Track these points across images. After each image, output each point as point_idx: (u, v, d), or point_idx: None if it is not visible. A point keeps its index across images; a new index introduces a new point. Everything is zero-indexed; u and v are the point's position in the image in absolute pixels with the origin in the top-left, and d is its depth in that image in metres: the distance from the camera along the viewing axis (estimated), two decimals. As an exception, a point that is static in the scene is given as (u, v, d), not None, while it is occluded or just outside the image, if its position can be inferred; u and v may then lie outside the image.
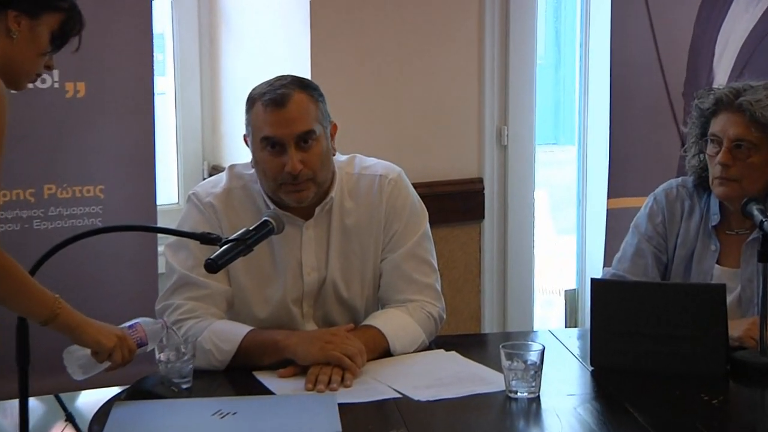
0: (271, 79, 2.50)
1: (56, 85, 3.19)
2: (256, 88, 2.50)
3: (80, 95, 3.22)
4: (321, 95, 2.50)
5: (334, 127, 2.54)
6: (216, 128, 4.04)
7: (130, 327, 2.24)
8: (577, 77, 4.15)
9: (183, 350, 2.27)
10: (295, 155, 2.42)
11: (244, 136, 2.53)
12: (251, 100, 2.48)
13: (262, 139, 2.44)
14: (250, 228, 2.30)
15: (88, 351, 2.17)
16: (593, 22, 4.01)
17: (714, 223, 2.71)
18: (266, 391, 2.27)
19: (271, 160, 2.45)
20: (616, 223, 3.63)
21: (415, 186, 2.69)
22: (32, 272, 2.21)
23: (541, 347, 2.22)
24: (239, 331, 2.41)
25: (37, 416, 3.73)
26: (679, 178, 2.84)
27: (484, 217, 3.90)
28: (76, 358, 2.18)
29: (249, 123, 2.49)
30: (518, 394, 2.20)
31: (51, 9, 2.13)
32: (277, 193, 2.48)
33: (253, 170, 2.55)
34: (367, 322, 2.52)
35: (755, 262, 2.49)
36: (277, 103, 2.42)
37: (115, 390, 2.92)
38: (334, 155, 2.55)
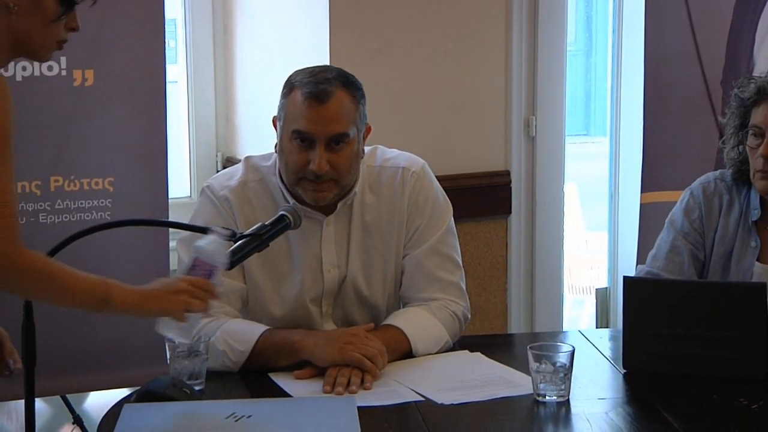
0: (314, 68, 2.49)
1: (63, 73, 3.21)
2: (297, 73, 2.49)
3: (88, 83, 3.24)
4: (363, 96, 2.50)
5: (368, 129, 2.54)
6: (230, 118, 4.05)
7: (192, 269, 2.17)
8: (610, 65, 4.14)
9: (195, 350, 2.27)
10: (323, 155, 2.42)
11: (274, 118, 2.53)
12: (290, 86, 2.47)
13: (293, 131, 2.44)
14: (266, 223, 2.31)
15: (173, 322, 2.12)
16: (626, 6, 4.00)
17: (754, 219, 2.70)
18: (282, 394, 2.27)
19: (298, 153, 2.44)
20: (650, 219, 3.61)
21: (439, 179, 2.69)
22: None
23: (570, 349, 2.22)
24: (254, 331, 2.42)
25: (44, 419, 3.76)
26: (717, 172, 2.83)
27: (511, 212, 3.89)
28: (173, 326, 2.13)
29: (283, 108, 2.48)
30: (547, 397, 2.19)
31: None
32: (296, 188, 2.48)
33: (270, 163, 2.56)
34: (388, 321, 2.52)
35: (798, 259, 2.48)
36: (318, 98, 2.41)
37: (124, 391, 2.94)
38: (362, 158, 2.55)
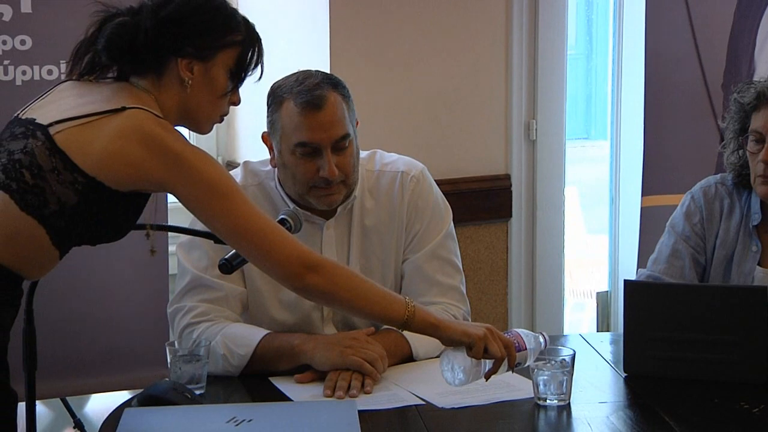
0: (297, 75, 2.48)
1: (63, 77, 3.20)
2: (282, 84, 2.48)
3: (89, 88, 3.24)
4: (349, 93, 2.50)
5: (356, 123, 2.55)
6: (230, 123, 4.05)
7: (506, 333, 2.21)
8: (610, 68, 4.14)
9: (196, 354, 2.28)
10: (332, 160, 2.42)
11: (264, 134, 2.52)
12: (279, 99, 2.46)
13: (297, 144, 2.43)
14: (267, 227, 2.31)
15: (467, 358, 2.16)
16: (627, 9, 4.00)
17: (755, 223, 2.70)
18: (283, 398, 2.28)
19: (305, 164, 2.44)
20: (650, 223, 3.61)
21: (439, 183, 2.69)
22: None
23: (571, 352, 2.23)
24: (254, 335, 2.42)
25: (45, 423, 3.77)
26: (718, 175, 2.83)
27: (511, 216, 3.90)
28: (458, 362, 2.17)
29: (275, 123, 2.47)
30: (548, 401, 2.20)
31: (224, 47, 2.08)
32: (306, 197, 2.48)
33: (269, 168, 2.56)
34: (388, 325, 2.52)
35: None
36: (315, 105, 2.41)
37: (125, 395, 2.95)
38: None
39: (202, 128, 2.17)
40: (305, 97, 2.41)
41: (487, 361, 2.16)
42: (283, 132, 2.45)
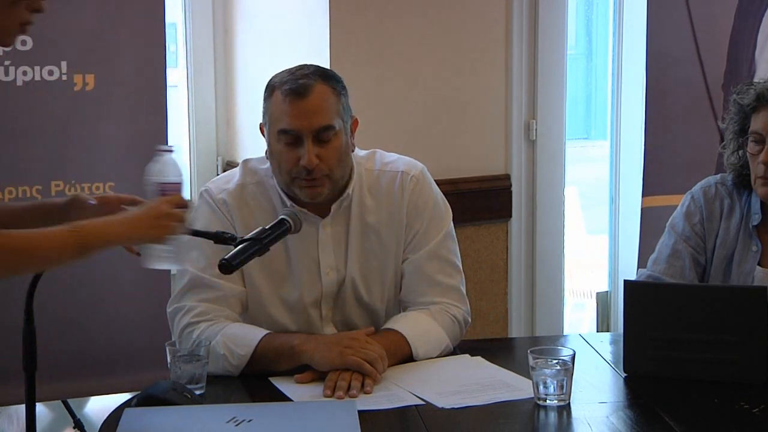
0: (292, 68, 2.50)
1: (64, 78, 3.21)
2: (276, 75, 2.51)
3: (89, 88, 3.25)
4: (344, 88, 2.50)
5: (355, 122, 2.55)
6: (230, 122, 4.05)
7: (162, 192, 2.15)
8: (610, 68, 4.14)
9: (196, 354, 2.28)
10: (312, 150, 2.43)
11: (261, 124, 2.54)
12: (270, 88, 2.49)
13: (279, 131, 2.46)
14: (266, 227, 2.31)
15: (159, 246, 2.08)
16: (627, 10, 4.01)
17: (755, 223, 2.70)
18: (283, 398, 2.28)
19: (287, 153, 2.45)
20: (650, 223, 3.62)
21: (439, 183, 2.69)
22: (40, 273, 2.22)
23: (571, 352, 2.22)
24: (254, 335, 2.42)
25: (45, 423, 3.77)
26: (718, 176, 2.83)
27: (511, 216, 3.90)
28: (164, 257, 2.13)
29: (266, 112, 2.50)
30: (547, 401, 2.20)
31: None
32: (291, 187, 2.49)
33: (268, 165, 2.56)
34: (388, 325, 2.52)
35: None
36: (298, 93, 2.43)
37: (125, 396, 2.95)
38: (353, 151, 2.56)
39: (1, 40, 1.99)
40: (290, 85, 2.44)
41: None
42: (270, 120, 2.48)
